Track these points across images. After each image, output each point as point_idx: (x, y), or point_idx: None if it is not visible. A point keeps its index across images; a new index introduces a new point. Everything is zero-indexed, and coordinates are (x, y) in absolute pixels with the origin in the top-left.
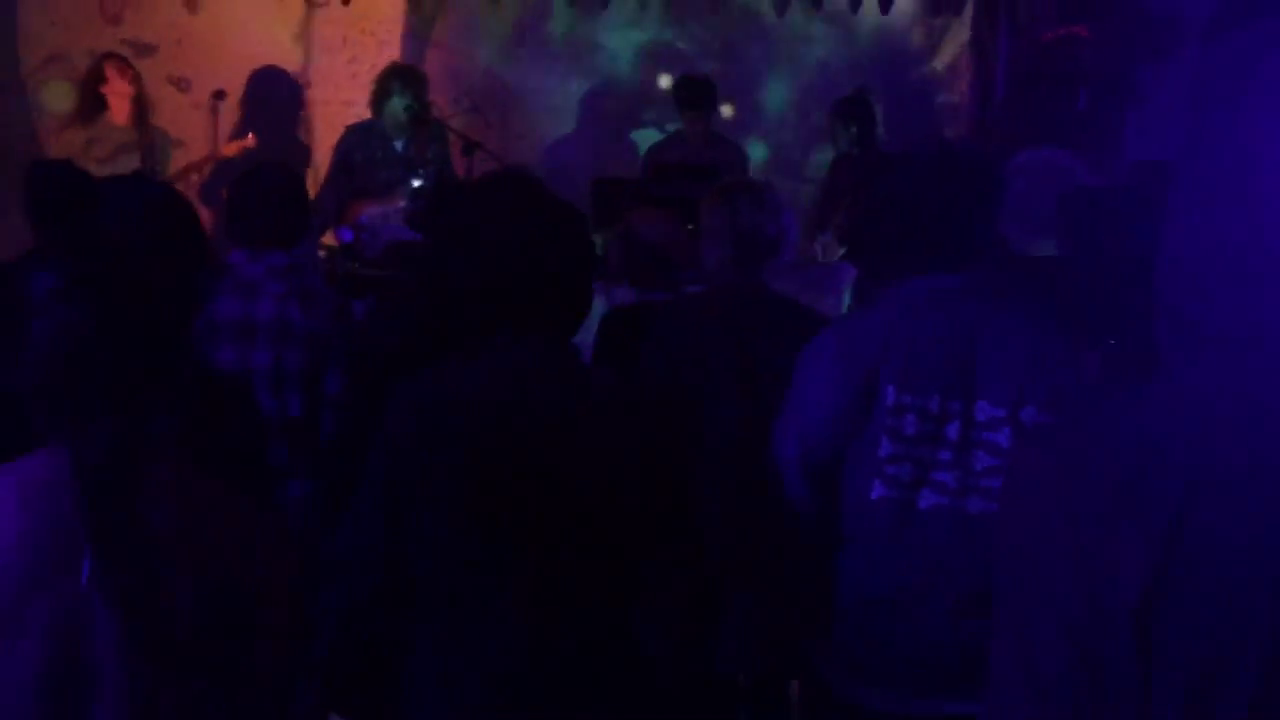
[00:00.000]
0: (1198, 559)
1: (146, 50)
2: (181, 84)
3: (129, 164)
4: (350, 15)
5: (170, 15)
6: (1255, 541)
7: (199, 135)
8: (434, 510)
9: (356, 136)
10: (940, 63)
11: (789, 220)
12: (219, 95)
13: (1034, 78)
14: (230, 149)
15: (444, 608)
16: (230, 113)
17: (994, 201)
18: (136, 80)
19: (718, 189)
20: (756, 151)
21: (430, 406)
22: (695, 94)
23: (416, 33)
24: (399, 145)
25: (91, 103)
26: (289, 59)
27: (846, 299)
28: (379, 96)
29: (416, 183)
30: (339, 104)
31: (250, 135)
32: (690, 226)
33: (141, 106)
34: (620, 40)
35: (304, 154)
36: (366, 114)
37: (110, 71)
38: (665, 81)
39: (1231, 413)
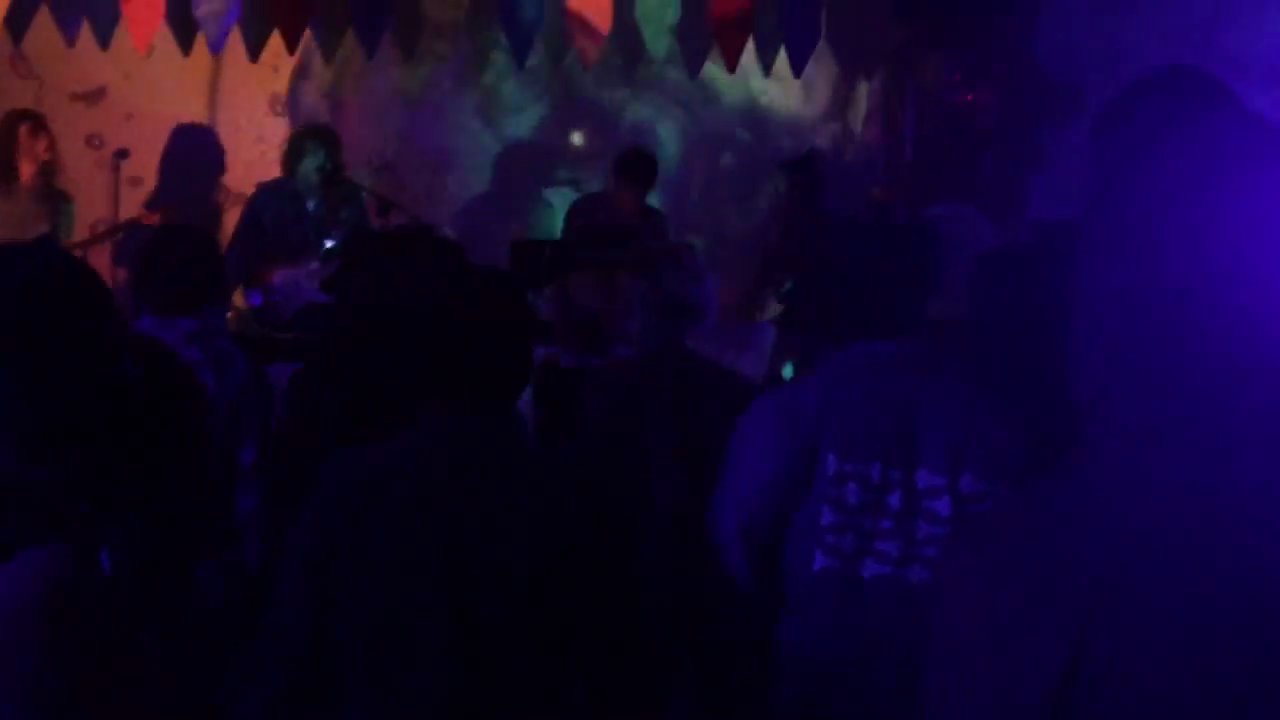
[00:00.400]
0: (1103, 670)
1: (58, 106)
2: (93, 141)
3: (36, 227)
4: (259, 73)
5: (82, 72)
6: (1160, 655)
7: (102, 195)
8: (366, 594)
9: (267, 197)
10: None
11: (711, 285)
12: (121, 154)
13: (941, 141)
14: (150, 218)
15: (378, 686)
16: (131, 171)
17: (932, 269)
18: (50, 144)
19: (639, 255)
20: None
21: (361, 489)
22: (639, 168)
23: (327, 92)
24: (311, 206)
25: (3, 166)
26: (195, 118)
27: (766, 354)
28: (291, 156)
29: (329, 244)
30: (244, 163)
31: (169, 206)
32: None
33: (50, 169)
34: (532, 99)
35: (217, 215)
36: (277, 173)
37: (23, 132)
38: (578, 139)
39: (1139, 514)
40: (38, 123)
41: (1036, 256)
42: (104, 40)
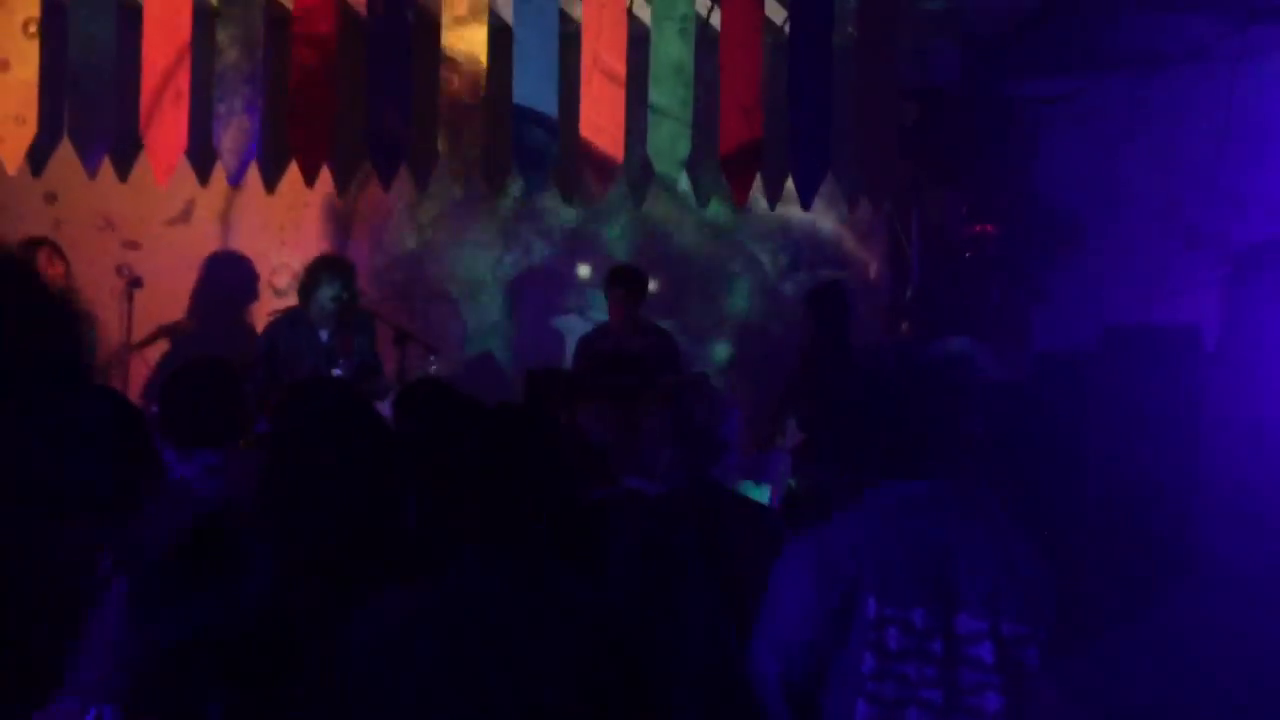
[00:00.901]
0: None
1: (78, 232)
2: (122, 270)
3: None
4: (274, 203)
5: (99, 199)
6: None
7: (114, 319)
8: None
9: (282, 325)
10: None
11: (735, 417)
12: (135, 283)
13: (947, 272)
14: (167, 335)
15: None
16: (144, 299)
17: (961, 404)
18: (67, 270)
19: (664, 388)
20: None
21: (384, 639)
22: (627, 282)
23: (340, 220)
24: (325, 335)
25: None
26: (211, 245)
27: (783, 482)
28: (307, 286)
29: (336, 372)
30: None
31: (189, 321)
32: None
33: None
34: (544, 229)
35: (249, 340)
36: (291, 301)
37: (41, 258)
38: (584, 271)
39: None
40: (54, 249)
41: (1042, 390)
42: (123, 173)
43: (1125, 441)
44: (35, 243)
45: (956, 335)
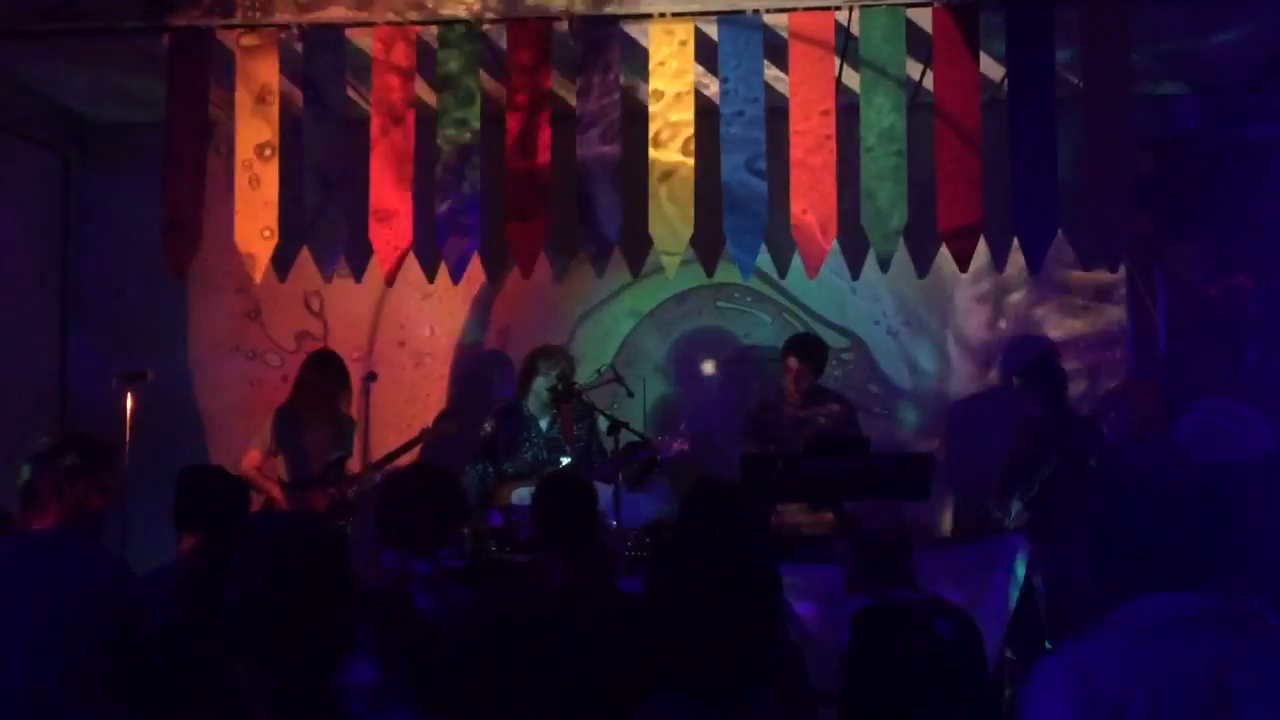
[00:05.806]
0: None
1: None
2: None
3: (330, 447)
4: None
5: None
6: None
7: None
8: None
9: (501, 418)
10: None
11: None
12: (370, 377)
13: (1197, 331)
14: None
15: None
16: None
17: (1229, 500)
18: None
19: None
20: None
21: None
22: (802, 353)
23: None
24: (544, 425)
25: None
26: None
27: (1020, 571)
28: (525, 376)
29: (565, 461)
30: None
31: (452, 423)
32: None
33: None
34: (753, 301)
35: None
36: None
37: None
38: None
39: None
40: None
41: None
42: (358, 274)
43: None
44: (328, 358)
45: (1222, 399)
